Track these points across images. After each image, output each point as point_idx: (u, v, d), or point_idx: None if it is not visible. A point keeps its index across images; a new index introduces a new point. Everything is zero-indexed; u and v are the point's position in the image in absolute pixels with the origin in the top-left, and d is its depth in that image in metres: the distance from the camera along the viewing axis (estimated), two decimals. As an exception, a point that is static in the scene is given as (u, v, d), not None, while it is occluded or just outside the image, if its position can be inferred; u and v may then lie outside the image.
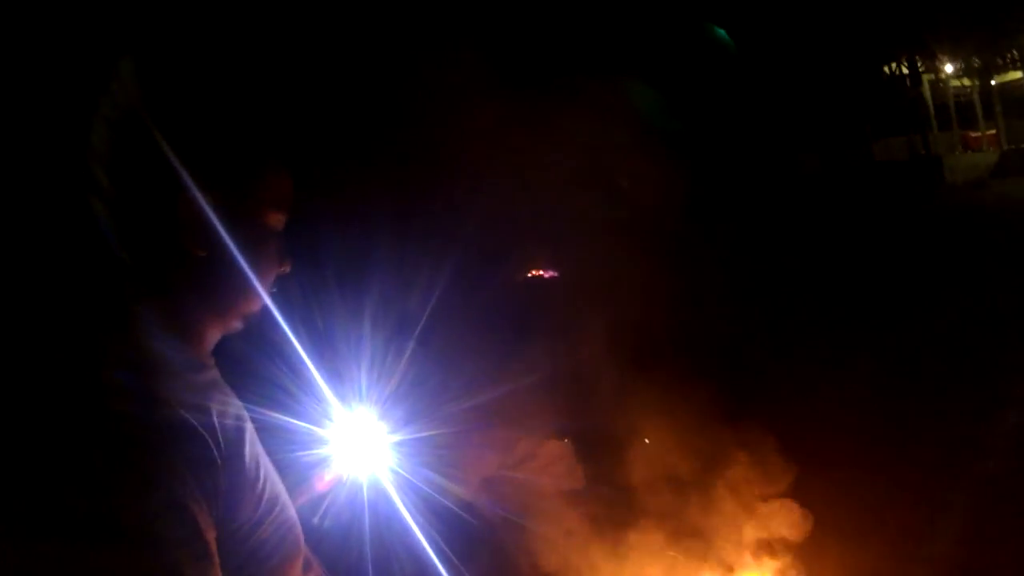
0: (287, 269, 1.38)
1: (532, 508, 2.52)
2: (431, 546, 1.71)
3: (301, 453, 1.68)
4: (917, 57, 24.10)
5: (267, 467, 1.30)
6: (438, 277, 2.45)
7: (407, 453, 1.79)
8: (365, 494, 1.74)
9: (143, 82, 1.29)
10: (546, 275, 3.50)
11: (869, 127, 23.16)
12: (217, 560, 1.10)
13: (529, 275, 3.51)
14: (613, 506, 3.08)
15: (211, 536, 1.10)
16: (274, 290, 1.37)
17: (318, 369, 1.59)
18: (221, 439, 1.17)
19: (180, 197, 1.22)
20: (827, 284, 8.24)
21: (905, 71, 24.61)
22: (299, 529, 1.35)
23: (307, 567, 1.39)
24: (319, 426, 1.71)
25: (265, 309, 1.37)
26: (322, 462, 1.75)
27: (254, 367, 1.53)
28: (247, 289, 1.31)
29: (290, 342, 1.51)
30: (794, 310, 6.66)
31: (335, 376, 1.68)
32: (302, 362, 1.56)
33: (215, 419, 1.18)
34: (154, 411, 1.11)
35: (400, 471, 1.76)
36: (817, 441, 3.75)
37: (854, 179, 19.52)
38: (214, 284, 1.28)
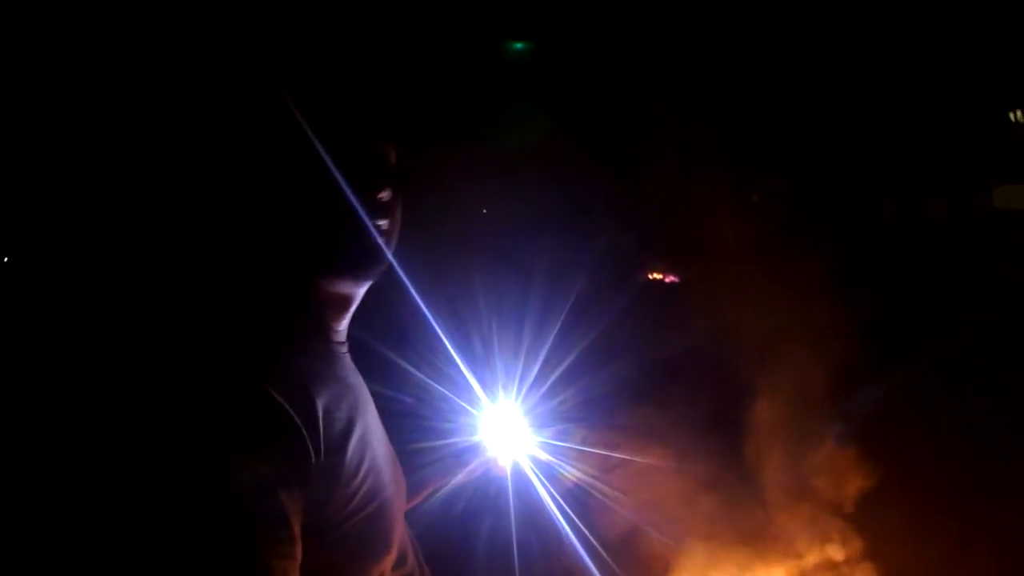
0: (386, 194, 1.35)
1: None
2: (575, 535, 1.70)
3: (449, 441, 1.69)
4: (1041, 106, 23.24)
5: (376, 464, 1.31)
6: (574, 276, 2.45)
7: (546, 439, 1.81)
8: (510, 484, 1.76)
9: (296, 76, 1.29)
10: (667, 279, 3.45)
11: (992, 172, 22.47)
12: (299, 544, 1.13)
13: (650, 277, 3.47)
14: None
15: (295, 519, 1.13)
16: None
17: (464, 362, 1.60)
18: (322, 435, 1.19)
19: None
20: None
21: (1030, 119, 23.71)
22: (396, 528, 1.35)
23: (400, 563, 1.38)
24: (466, 416, 1.72)
25: (414, 306, 1.40)
26: (469, 451, 1.74)
27: (403, 359, 1.54)
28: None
29: (439, 338, 1.53)
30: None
31: (478, 368, 1.66)
32: (450, 356, 1.58)
33: (320, 415, 1.20)
34: (257, 401, 1.13)
35: (542, 459, 1.75)
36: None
37: (974, 225, 18.88)
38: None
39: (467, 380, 1.61)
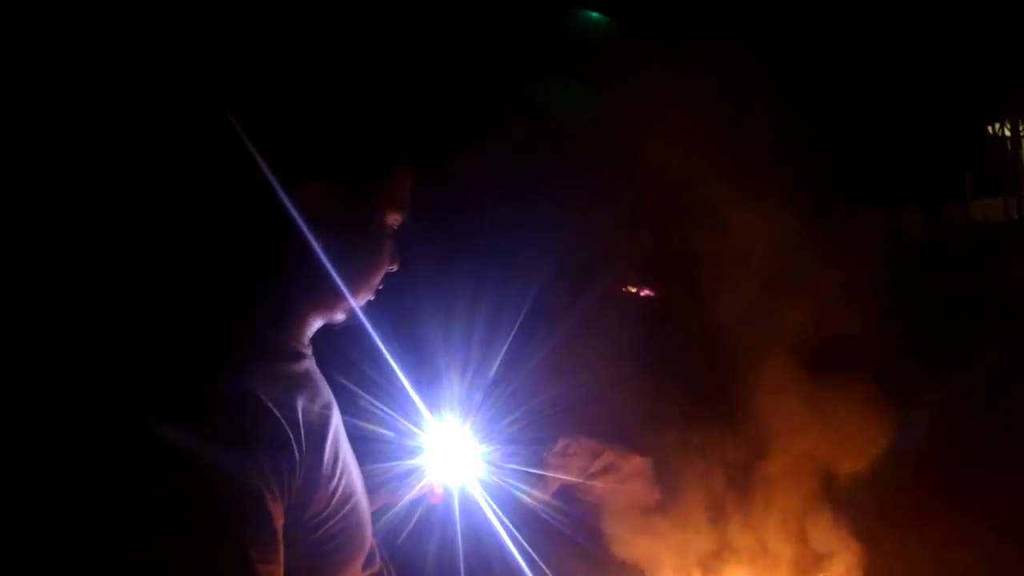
0: (395, 268, 1.39)
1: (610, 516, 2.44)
2: (522, 555, 1.69)
3: (392, 464, 1.66)
4: (1020, 121, 23.52)
5: (347, 463, 1.31)
6: (533, 285, 2.39)
7: (495, 460, 1.77)
8: (456, 503, 1.73)
9: (276, 69, 1.34)
10: (640, 292, 3.36)
11: (969, 185, 22.67)
12: (282, 547, 1.12)
13: (623, 290, 3.38)
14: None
15: (279, 524, 1.12)
16: (380, 287, 1.38)
17: (408, 377, 1.57)
18: (303, 433, 1.18)
19: (308, 185, 1.24)
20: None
21: (1008, 133, 24.00)
22: (368, 527, 1.36)
23: (369, 562, 1.39)
24: (410, 436, 1.69)
25: (357, 316, 1.39)
26: (414, 472, 1.71)
27: (345, 374, 1.50)
28: (355, 283, 1.32)
29: (380, 350, 1.49)
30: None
31: (424, 384, 1.67)
32: (392, 370, 1.54)
33: (300, 414, 1.19)
34: (241, 398, 1.13)
35: (491, 479, 1.75)
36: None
37: (949, 236, 19.03)
38: (323, 274, 1.28)
39: (412, 399, 1.58)
